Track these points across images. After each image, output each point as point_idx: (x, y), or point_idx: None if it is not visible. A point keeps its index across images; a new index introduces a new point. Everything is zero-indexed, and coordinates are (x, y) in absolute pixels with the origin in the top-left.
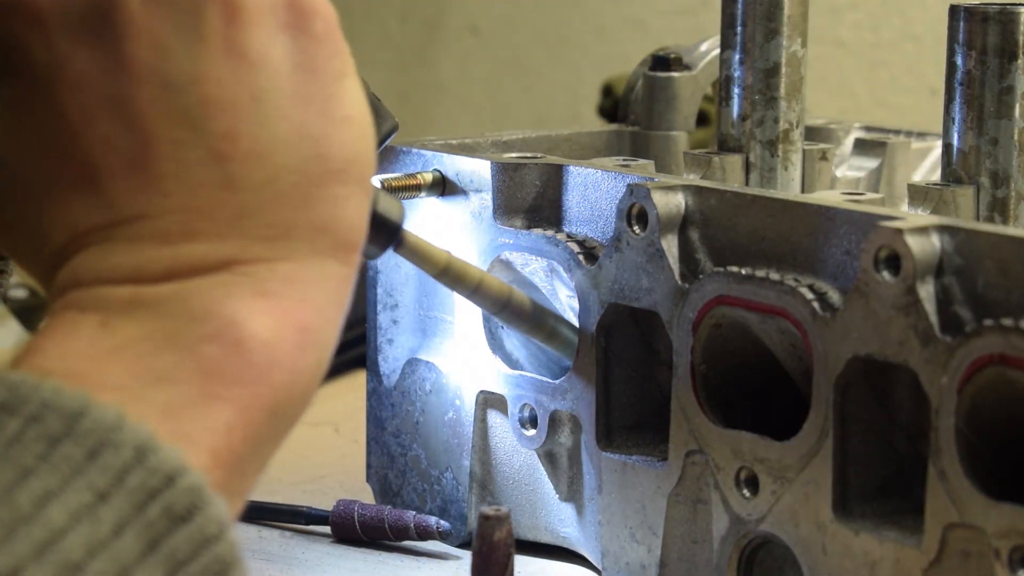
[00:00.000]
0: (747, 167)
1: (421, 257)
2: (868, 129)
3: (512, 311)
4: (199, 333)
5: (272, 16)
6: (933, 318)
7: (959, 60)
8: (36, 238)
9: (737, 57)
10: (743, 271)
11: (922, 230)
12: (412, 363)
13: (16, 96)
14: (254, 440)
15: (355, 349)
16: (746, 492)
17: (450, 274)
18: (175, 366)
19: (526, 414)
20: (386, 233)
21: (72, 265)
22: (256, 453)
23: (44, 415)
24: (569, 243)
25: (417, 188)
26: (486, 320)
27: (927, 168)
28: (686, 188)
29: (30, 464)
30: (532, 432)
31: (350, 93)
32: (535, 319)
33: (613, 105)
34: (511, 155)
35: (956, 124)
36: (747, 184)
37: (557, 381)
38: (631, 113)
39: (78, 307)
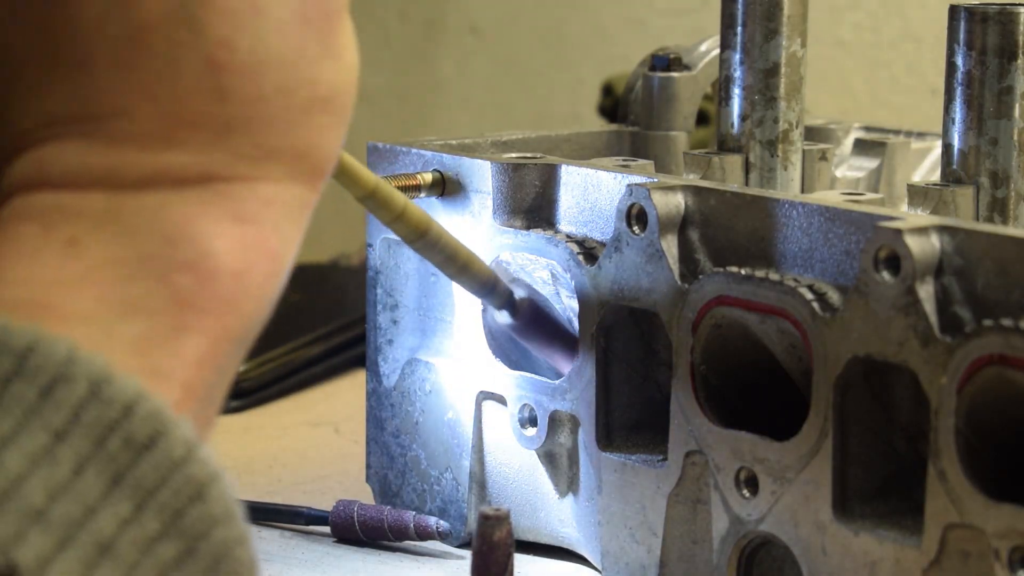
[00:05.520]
0: (747, 167)
1: (351, 179)
2: (868, 129)
3: (427, 242)
4: (173, 260)
5: None
6: (933, 318)
7: (959, 60)
8: None
9: (737, 57)
10: (743, 271)
11: (922, 230)
12: (412, 363)
13: None
14: (222, 369)
15: (355, 349)
16: (746, 492)
17: (376, 199)
18: (147, 295)
19: (526, 414)
20: None
21: (38, 156)
22: (223, 380)
23: None
24: (569, 243)
25: (417, 188)
26: (486, 320)
27: (927, 168)
28: (686, 188)
29: None
30: (532, 432)
31: (346, 23)
32: (448, 253)
33: (613, 104)
34: (511, 155)
35: (956, 124)
36: (747, 184)
37: (557, 381)
38: (631, 113)
39: (42, 220)
